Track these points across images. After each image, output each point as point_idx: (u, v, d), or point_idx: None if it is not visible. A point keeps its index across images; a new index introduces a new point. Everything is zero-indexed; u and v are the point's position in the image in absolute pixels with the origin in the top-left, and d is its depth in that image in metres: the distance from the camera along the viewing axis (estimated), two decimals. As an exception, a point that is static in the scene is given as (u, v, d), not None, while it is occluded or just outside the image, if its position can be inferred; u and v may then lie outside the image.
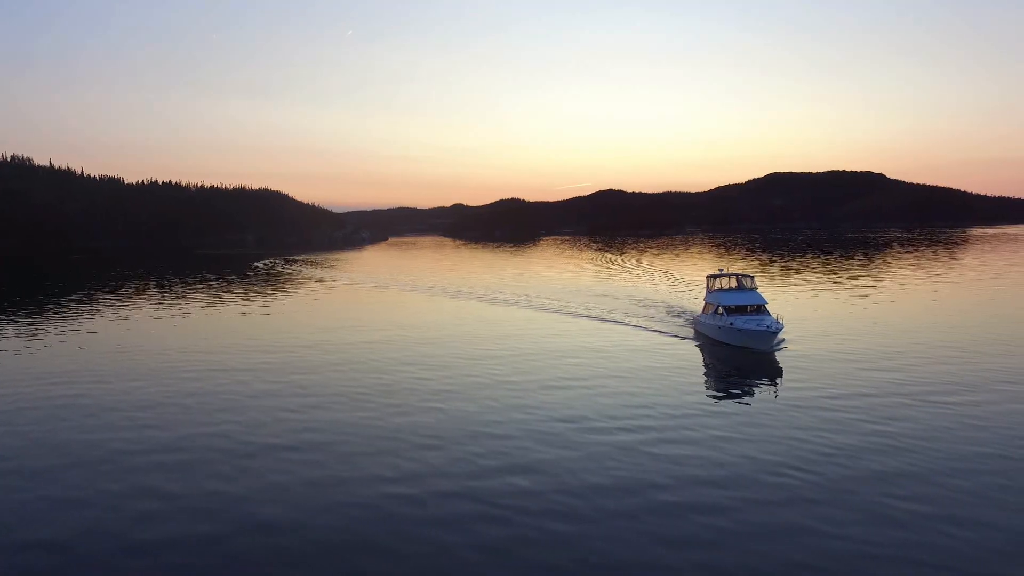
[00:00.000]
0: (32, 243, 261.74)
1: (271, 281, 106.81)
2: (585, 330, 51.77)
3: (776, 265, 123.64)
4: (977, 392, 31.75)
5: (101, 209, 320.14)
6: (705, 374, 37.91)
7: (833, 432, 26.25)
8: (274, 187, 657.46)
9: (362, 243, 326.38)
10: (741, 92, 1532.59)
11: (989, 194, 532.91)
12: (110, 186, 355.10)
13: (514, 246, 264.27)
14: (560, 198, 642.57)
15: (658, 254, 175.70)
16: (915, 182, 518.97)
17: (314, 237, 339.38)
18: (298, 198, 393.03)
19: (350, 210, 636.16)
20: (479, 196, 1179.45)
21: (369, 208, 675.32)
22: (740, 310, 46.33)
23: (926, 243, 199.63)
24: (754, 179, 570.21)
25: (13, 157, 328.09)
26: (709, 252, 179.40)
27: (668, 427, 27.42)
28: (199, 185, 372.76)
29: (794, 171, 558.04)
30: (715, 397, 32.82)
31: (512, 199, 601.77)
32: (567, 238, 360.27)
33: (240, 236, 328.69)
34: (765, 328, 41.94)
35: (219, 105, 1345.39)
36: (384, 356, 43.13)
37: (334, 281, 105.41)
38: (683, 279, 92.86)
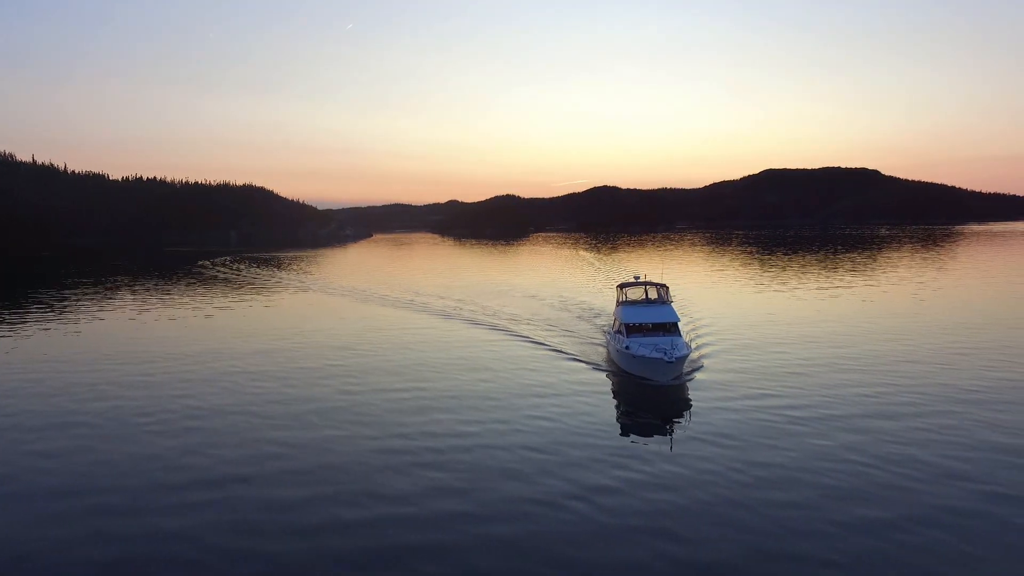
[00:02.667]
0: (12, 239, 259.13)
1: (196, 283, 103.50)
2: (474, 346, 45.36)
3: (740, 263, 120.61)
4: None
5: (85, 205, 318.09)
6: (577, 415, 28.97)
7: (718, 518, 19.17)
8: (271, 184, 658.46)
9: (346, 240, 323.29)
10: (737, 89, 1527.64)
11: (984, 191, 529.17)
12: (95, 182, 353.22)
13: (499, 243, 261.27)
14: (556, 194, 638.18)
15: (633, 252, 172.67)
16: (910, 179, 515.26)
17: (299, 234, 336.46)
18: (292, 195, 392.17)
19: (345, 207, 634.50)
20: (475, 193, 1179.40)
21: (364, 204, 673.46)
22: (641, 329, 38.13)
23: (913, 240, 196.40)
24: (749, 176, 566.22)
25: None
26: (683, 250, 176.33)
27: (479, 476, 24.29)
28: (183, 181, 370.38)
29: (789, 168, 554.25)
30: (563, 448, 24.85)
31: (507, 195, 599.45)
32: (556, 235, 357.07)
33: (224, 233, 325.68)
34: (660, 356, 33.20)
35: (214, 101, 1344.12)
36: (226, 369, 40.28)
37: (254, 283, 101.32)
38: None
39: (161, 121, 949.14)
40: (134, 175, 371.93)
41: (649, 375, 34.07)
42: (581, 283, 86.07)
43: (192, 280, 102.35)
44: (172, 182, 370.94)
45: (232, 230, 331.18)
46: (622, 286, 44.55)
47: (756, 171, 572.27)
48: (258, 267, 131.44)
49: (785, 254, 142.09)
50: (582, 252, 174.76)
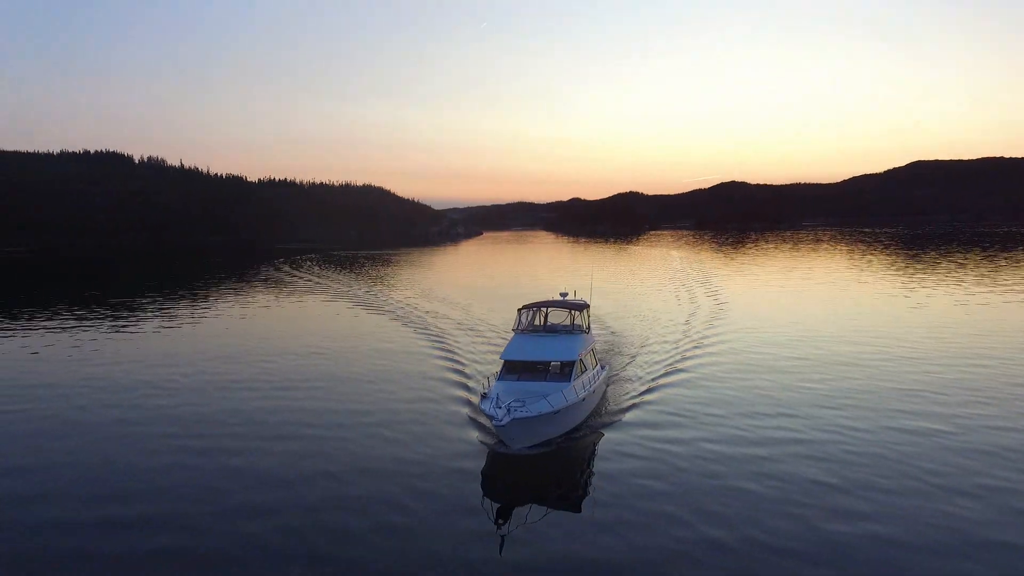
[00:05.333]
0: (156, 238, 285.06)
1: (238, 288, 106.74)
2: (387, 369, 41.17)
3: (826, 267, 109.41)
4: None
5: (223, 206, 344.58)
6: (392, 475, 22.83)
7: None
8: (396, 184, 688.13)
9: (457, 238, 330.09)
10: (887, 71, 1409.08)
11: None
12: (234, 184, 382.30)
13: (602, 240, 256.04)
14: (680, 191, 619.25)
15: (725, 252, 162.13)
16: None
17: (411, 232, 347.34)
18: (413, 195, 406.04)
19: (470, 205, 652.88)
20: (598, 190, 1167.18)
21: (489, 203, 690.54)
22: (519, 369, 27.93)
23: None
24: (894, 168, 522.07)
25: (150, 158, 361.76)
26: (783, 250, 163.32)
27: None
28: (311, 182, 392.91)
29: (941, 159, 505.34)
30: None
31: (629, 193, 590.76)
32: (668, 233, 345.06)
33: (346, 231, 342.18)
34: (500, 420, 22.48)
35: (351, 107, 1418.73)
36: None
37: (288, 291, 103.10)
38: (708, 287, 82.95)
39: (301, 128, 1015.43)
40: (269, 176, 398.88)
41: (502, 437, 23.81)
42: (617, 290, 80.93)
43: (232, 280, 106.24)
44: (301, 183, 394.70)
45: (352, 229, 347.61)
46: (526, 308, 32.93)
47: (903, 163, 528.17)
48: (320, 267, 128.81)
49: (892, 254, 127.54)
50: (673, 252, 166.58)
